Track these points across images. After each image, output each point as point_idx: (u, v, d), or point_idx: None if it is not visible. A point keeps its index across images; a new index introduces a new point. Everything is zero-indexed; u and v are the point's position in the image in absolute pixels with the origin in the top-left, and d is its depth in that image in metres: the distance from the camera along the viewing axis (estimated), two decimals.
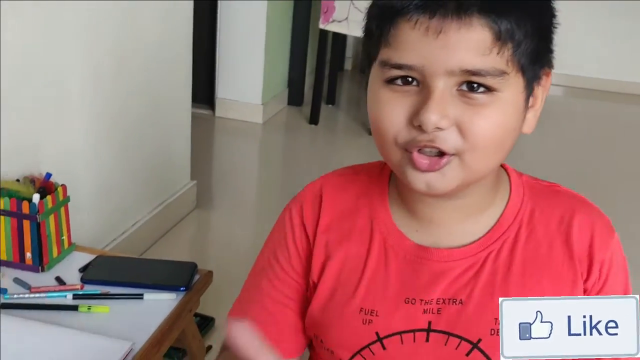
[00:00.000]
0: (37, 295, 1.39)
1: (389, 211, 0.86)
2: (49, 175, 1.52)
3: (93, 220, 1.95)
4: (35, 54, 1.62)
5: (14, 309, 1.34)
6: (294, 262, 0.90)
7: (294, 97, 4.16)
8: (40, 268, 1.48)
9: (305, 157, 3.52)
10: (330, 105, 4.21)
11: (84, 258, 1.55)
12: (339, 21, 3.58)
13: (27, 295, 1.38)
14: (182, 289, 1.45)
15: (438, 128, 0.70)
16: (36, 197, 1.44)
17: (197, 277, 1.52)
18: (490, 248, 0.82)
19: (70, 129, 1.81)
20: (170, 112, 2.37)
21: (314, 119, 3.85)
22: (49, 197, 1.47)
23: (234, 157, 3.38)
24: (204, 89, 3.68)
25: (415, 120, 0.71)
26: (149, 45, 2.14)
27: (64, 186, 1.53)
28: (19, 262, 1.48)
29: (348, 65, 5.21)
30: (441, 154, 0.72)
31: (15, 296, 1.37)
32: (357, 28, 3.54)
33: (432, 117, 0.69)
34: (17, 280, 1.43)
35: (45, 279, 1.46)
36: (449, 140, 0.71)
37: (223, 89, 3.79)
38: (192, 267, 1.53)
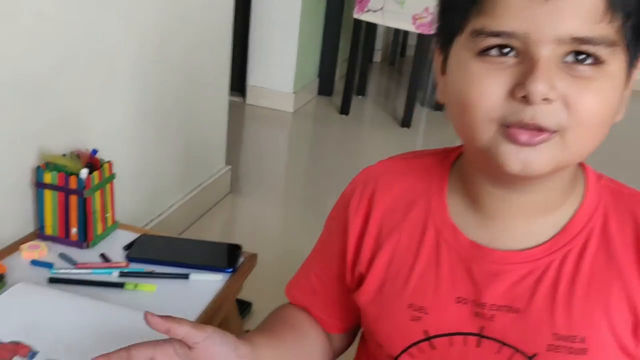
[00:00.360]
0: (82, 271, 1.37)
1: (446, 202, 0.81)
2: (95, 151, 1.50)
3: (132, 200, 1.93)
4: (82, 31, 1.60)
5: (60, 283, 1.32)
6: (335, 247, 0.89)
7: (325, 87, 4.14)
8: (85, 244, 1.46)
9: (337, 146, 3.49)
10: (360, 96, 4.18)
11: (127, 236, 1.53)
12: (374, 11, 3.55)
13: (72, 271, 1.36)
14: (228, 270, 1.42)
15: (545, 100, 0.64)
16: (84, 172, 1.42)
17: (241, 259, 1.50)
18: (554, 255, 0.75)
19: (114, 106, 1.79)
20: (209, 96, 2.35)
21: (344, 109, 3.83)
22: (95, 173, 1.44)
23: (264, 144, 3.36)
24: (235, 76, 3.65)
25: (519, 91, 0.65)
26: (191, 26, 2.11)
27: (110, 163, 1.51)
28: (64, 238, 1.46)
29: (377, 57, 5.18)
30: (540, 131, 0.67)
31: (61, 271, 1.36)
32: (392, 18, 3.52)
33: (539, 86, 0.64)
34: (62, 256, 1.42)
35: (89, 255, 1.44)
36: (552, 114, 0.65)
37: (254, 77, 3.77)
38: (236, 249, 1.50)
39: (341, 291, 0.90)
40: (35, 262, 1.38)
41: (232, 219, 2.59)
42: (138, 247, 1.48)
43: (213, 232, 2.37)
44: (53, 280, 1.32)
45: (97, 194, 1.46)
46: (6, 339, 1.10)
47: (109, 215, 1.52)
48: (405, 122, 3.66)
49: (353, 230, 0.85)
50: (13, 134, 1.43)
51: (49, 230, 1.46)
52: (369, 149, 3.43)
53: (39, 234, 1.47)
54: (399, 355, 0.81)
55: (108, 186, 1.50)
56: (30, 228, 1.51)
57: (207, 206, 2.46)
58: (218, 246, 1.54)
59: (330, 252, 0.90)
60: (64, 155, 1.51)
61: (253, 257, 1.53)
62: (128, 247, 1.48)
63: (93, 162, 1.48)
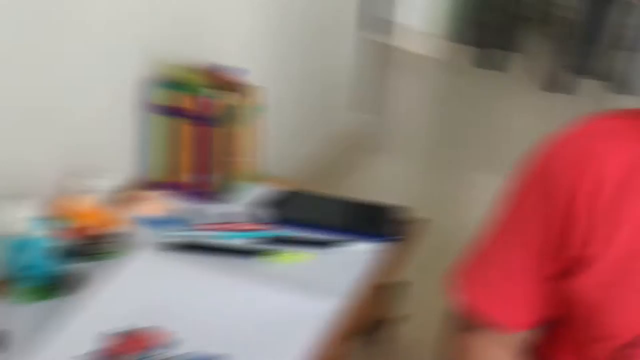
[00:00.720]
0: (213, 233, 1.13)
1: None
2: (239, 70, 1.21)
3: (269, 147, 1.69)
4: None
5: (182, 249, 1.09)
6: (547, 235, 0.75)
7: (475, 40, 3.80)
8: (221, 196, 1.22)
9: (489, 105, 3.20)
10: (517, 54, 3.82)
11: (265, 191, 1.26)
12: None
13: (198, 233, 1.13)
14: (394, 238, 1.17)
15: None
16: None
17: (408, 226, 1.22)
18: None
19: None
20: (335, 38, 2.12)
21: (499, 66, 3.52)
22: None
23: (408, 95, 3.15)
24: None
25: None
26: None
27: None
28: (188, 188, 1.21)
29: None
30: None
31: (184, 233, 1.12)
32: None
33: None
34: (187, 211, 1.18)
35: (220, 210, 1.20)
36: None
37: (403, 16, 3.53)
38: (401, 213, 1.23)
39: (545, 286, 0.78)
40: (153, 221, 1.15)
41: (375, 177, 2.40)
42: (284, 206, 1.22)
43: (354, 190, 2.12)
44: (173, 246, 1.10)
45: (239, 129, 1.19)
46: (139, 320, 0.89)
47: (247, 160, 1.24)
48: (565, 87, 3.33)
49: (571, 211, 0.72)
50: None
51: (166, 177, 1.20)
52: (526, 111, 3.14)
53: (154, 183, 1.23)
54: (627, 345, 0.72)
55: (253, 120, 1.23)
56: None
57: (348, 162, 2.26)
58: (378, 208, 1.26)
59: (538, 243, 0.76)
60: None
61: (425, 224, 1.24)
62: (270, 205, 1.22)
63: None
